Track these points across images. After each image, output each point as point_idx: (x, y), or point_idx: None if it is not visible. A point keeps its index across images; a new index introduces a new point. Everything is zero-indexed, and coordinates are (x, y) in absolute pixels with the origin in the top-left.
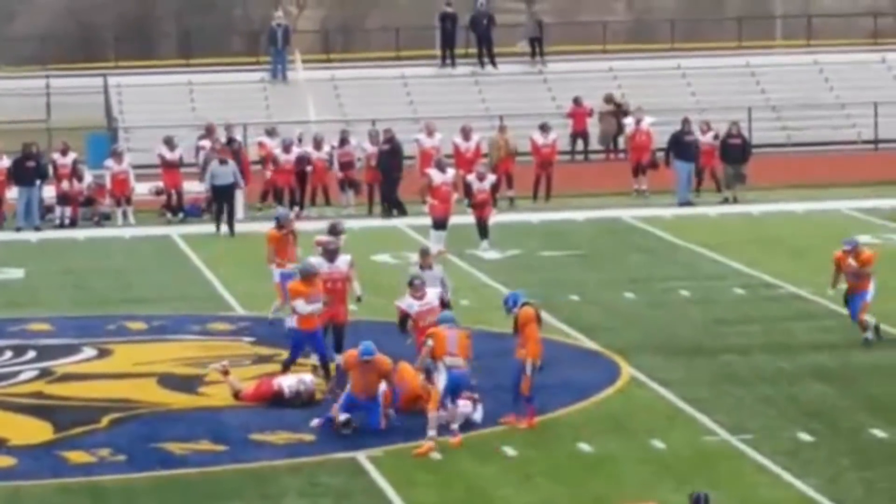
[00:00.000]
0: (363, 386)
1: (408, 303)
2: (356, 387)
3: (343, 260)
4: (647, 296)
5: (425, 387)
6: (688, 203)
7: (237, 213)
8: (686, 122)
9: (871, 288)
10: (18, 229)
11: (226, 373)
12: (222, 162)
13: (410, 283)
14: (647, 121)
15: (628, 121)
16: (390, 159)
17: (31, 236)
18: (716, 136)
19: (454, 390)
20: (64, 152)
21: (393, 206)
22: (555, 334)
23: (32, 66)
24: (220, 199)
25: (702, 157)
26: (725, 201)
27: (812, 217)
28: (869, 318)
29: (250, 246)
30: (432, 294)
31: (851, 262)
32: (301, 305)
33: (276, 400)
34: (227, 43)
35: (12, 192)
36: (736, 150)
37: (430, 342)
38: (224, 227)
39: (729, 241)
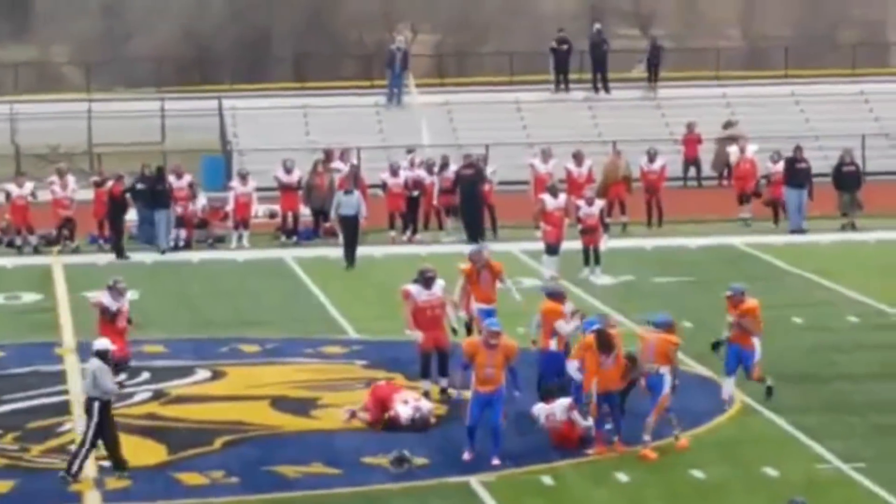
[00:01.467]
0: (487, 374)
1: (416, 290)
2: (480, 378)
3: (439, 286)
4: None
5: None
6: (800, 230)
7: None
8: (798, 149)
9: None
10: (164, 251)
11: (352, 417)
12: (347, 192)
13: (422, 274)
14: (751, 149)
15: (733, 149)
16: (474, 186)
17: (147, 258)
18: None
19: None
20: (179, 175)
21: (475, 233)
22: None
23: (148, 89)
24: (346, 230)
25: (771, 188)
26: (843, 228)
27: None
28: None
29: (363, 270)
30: (438, 287)
31: None
32: (562, 326)
33: (391, 426)
34: (341, 67)
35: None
36: (851, 178)
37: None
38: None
39: (841, 268)
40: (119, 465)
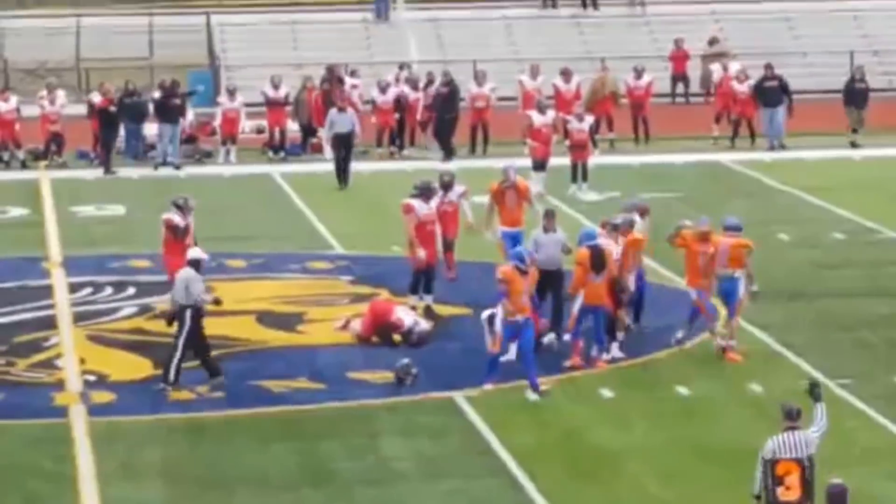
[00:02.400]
0: (523, 301)
1: (418, 204)
2: (517, 305)
3: (436, 202)
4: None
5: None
6: (774, 147)
7: (327, 152)
8: (768, 66)
9: None
10: (159, 166)
11: (345, 326)
12: (341, 109)
13: (421, 188)
14: (734, 67)
15: (715, 66)
16: (447, 102)
17: (133, 173)
18: (753, 86)
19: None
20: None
21: (445, 149)
22: (654, 277)
23: (135, 4)
24: (339, 148)
25: (737, 106)
26: (852, 145)
27: None
28: None
29: (351, 186)
30: (435, 203)
31: None
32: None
33: (388, 329)
34: None
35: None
36: (861, 95)
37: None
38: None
39: (829, 185)
40: (213, 371)
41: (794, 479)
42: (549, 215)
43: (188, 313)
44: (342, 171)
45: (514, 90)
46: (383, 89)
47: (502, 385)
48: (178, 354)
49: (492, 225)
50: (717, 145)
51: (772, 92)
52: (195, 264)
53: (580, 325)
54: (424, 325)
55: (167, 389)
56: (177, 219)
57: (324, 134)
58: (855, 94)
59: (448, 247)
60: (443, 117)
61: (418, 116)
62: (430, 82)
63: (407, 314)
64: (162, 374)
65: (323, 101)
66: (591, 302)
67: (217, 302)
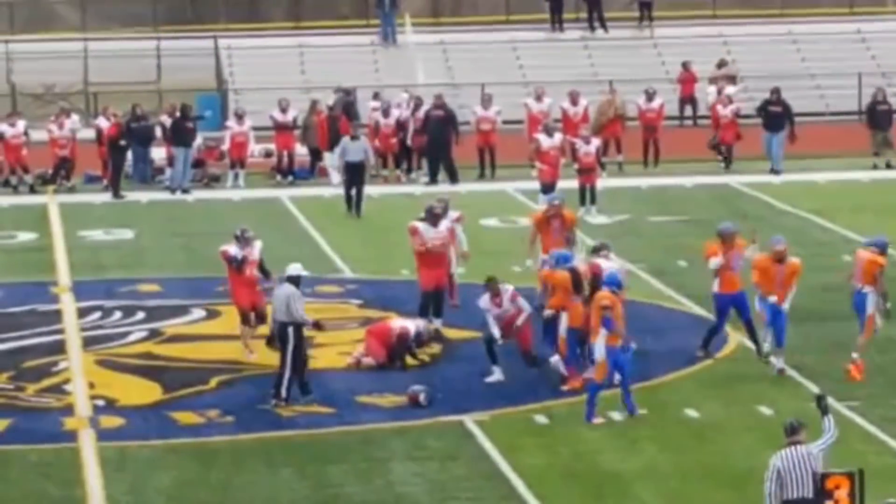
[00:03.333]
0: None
1: (424, 227)
2: (619, 327)
3: (445, 225)
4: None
5: None
6: (774, 171)
7: (333, 178)
8: (774, 91)
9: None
10: (176, 191)
11: (358, 364)
12: (353, 137)
13: (429, 211)
14: (731, 90)
15: (710, 89)
16: (444, 125)
17: (142, 197)
18: (736, 112)
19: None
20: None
21: (449, 173)
22: (663, 300)
23: (144, 28)
24: (351, 177)
25: (719, 130)
26: (875, 168)
27: None
28: None
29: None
30: (444, 227)
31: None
32: (715, 262)
33: (399, 346)
34: (337, 6)
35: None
36: (885, 116)
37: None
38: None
39: (838, 207)
40: (305, 389)
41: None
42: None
43: (290, 330)
44: (356, 202)
45: (522, 114)
46: (386, 112)
47: (509, 409)
48: (287, 372)
49: (533, 253)
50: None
51: (775, 117)
52: (294, 280)
53: (573, 350)
54: (422, 322)
55: (279, 405)
56: (233, 250)
57: (332, 161)
58: (878, 116)
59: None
60: (442, 142)
61: (408, 142)
62: (417, 107)
63: (404, 321)
64: (273, 391)
65: (328, 126)
66: (576, 324)
67: (319, 326)
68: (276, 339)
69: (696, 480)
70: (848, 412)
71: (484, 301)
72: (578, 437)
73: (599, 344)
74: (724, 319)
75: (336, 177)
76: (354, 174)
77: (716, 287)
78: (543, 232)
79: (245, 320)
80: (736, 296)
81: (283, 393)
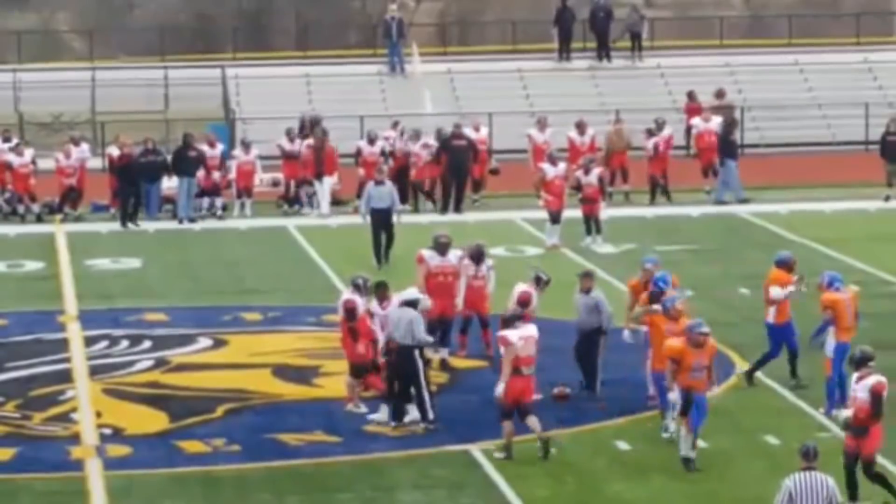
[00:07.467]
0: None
1: (430, 254)
2: (684, 377)
3: (454, 255)
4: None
5: None
6: (744, 201)
7: (323, 208)
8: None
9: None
10: (182, 220)
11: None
12: (378, 182)
13: (436, 240)
14: (715, 121)
15: (696, 121)
16: (466, 154)
17: (149, 226)
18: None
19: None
20: (212, 144)
21: (458, 201)
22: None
23: (151, 57)
24: (378, 224)
25: (650, 164)
26: (888, 199)
27: None
28: None
29: (365, 238)
30: (453, 256)
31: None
32: (777, 292)
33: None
34: (344, 36)
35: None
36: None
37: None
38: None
39: (844, 237)
40: (398, 414)
41: None
42: (585, 276)
43: (416, 353)
44: (385, 251)
45: (526, 143)
46: (371, 140)
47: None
48: (425, 393)
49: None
50: (707, 195)
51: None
52: (413, 304)
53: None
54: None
55: (431, 428)
56: (358, 300)
57: (361, 206)
58: (891, 147)
59: (483, 324)
60: (463, 169)
61: (412, 174)
62: (416, 137)
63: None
64: (420, 417)
65: (314, 157)
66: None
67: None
68: (398, 364)
69: None
70: None
71: (374, 305)
72: (585, 465)
73: (830, 339)
74: (779, 349)
75: (327, 208)
76: (382, 221)
77: (771, 317)
78: (640, 299)
79: (357, 373)
80: (788, 325)
81: (430, 415)
